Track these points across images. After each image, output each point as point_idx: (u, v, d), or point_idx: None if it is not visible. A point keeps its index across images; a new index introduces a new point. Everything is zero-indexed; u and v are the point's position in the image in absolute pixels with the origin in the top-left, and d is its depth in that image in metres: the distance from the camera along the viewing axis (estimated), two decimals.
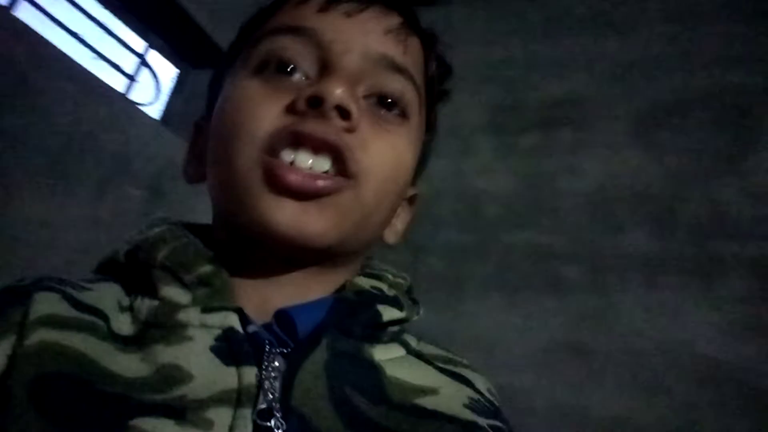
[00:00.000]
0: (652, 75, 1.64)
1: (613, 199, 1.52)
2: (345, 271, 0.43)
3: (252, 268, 0.39)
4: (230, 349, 0.34)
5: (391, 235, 0.47)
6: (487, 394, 0.43)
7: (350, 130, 0.37)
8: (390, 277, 0.44)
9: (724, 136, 1.48)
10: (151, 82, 1.71)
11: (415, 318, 0.43)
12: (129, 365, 0.32)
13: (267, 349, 0.34)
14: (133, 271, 0.38)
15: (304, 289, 0.40)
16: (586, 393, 1.39)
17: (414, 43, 0.44)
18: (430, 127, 0.47)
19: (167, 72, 1.78)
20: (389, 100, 0.41)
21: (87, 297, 0.36)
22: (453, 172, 1.70)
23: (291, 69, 0.39)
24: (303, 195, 0.36)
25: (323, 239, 0.37)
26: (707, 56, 1.61)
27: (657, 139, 1.54)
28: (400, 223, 0.47)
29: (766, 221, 1.34)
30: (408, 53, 0.42)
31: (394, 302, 0.42)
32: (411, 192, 0.48)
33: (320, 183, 0.36)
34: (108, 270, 0.40)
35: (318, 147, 0.36)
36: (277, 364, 0.34)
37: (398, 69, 0.41)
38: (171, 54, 1.76)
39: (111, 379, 0.31)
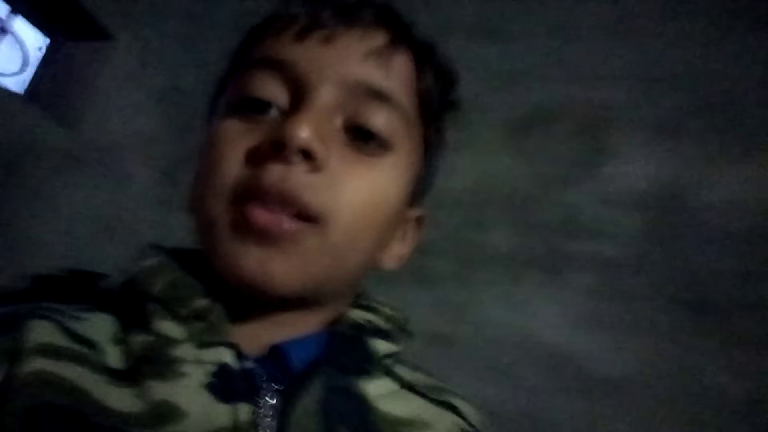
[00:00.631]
0: (528, 84, 1.76)
1: (484, 198, 1.62)
2: (336, 305, 0.42)
3: (245, 302, 0.38)
4: (225, 386, 0.33)
5: (390, 261, 0.45)
6: (478, 425, 0.43)
7: (316, 170, 0.36)
8: (386, 310, 0.43)
9: (584, 145, 1.62)
10: (15, 51, 1.58)
11: (405, 348, 0.43)
12: (123, 400, 0.31)
13: (263, 387, 0.34)
14: (128, 303, 0.37)
15: (297, 324, 0.39)
16: (446, 378, 1.48)
17: (401, 60, 0.41)
18: (430, 143, 0.45)
19: (35, 42, 1.65)
20: (370, 131, 0.39)
21: (81, 327, 0.35)
22: None
23: (267, 106, 0.38)
24: (268, 238, 0.35)
25: (288, 288, 0.36)
26: (577, 70, 1.75)
27: (526, 145, 1.66)
28: (405, 246, 0.46)
29: (611, 224, 1.50)
30: (392, 75, 0.40)
31: (389, 336, 0.41)
32: (414, 214, 0.46)
33: (285, 226, 0.35)
34: (102, 300, 0.39)
35: (280, 198, 0.35)
36: (273, 401, 0.33)
37: (378, 95, 0.39)
38: (39, 22, 1.63)
39: (105, 412, 0.30)
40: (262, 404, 0.33)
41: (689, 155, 1.54)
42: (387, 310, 0.44)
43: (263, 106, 0.38)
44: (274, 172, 0.35)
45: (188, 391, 0.32)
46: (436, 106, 0.44)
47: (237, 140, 0.38)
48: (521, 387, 1.38)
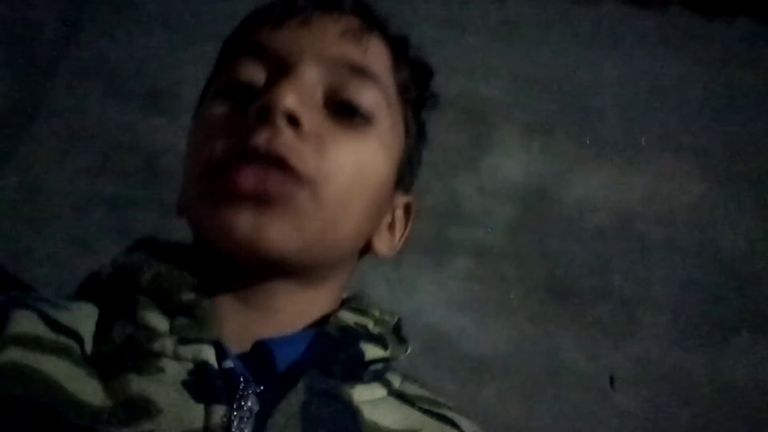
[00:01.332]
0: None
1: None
2: (325, 289, 0.41)
3: (232, 292, 0.38)
4: (202, 384, 0.32)
5: (384, 247, 0.45)
6: None
7: (302, 136, 0.36)
8: (376, 313, 0.43)
9: (467, 136, 1.69)
10: None
11: (402, 356, 0.42)
12: (97, 394, 0.31)
13: (241, 388, 0.33)
14: (115, 294, 0.37)
15: (284, 314, 0.38)
16: None
17: (376, 43, 0.42)
18: (412, 131, 0.45)
19: None
20: (351, 104, 0.39)
21: (64, 317, 0.34)
22: None
23: (251, 91, 0.38)
24: (259, 199, 0.35)
25: (284, 249, 0.36)
26: (461, 64, 1.81)
27: None
28: (396, 233, 0.46)
29: (487, 213, 1.58)
30: (369, 54, 0.41)
31: (379, 340, 0.40)
32: (403, 200, 0.47)
33: (275, 187, 0.35)
34: (88, 291, 0.38)
35: (267, 159, 0.35)
36: (250, 404, 0.32)
37: (358, 70, 0.40)
38: None
39: (78, 408, 0.30)
40: (238, 406, 0.32)
41: (557, 154, 1.68)
42: (377, 314, 0.43)
43: (247, 91, 0.39)
44: (261, 136, 0.36)
45: (165, 387, 0.32)
46: (413, 94, 0.46)
47: (221, 121, 0.38)
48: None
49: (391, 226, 0.48)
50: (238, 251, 0.36)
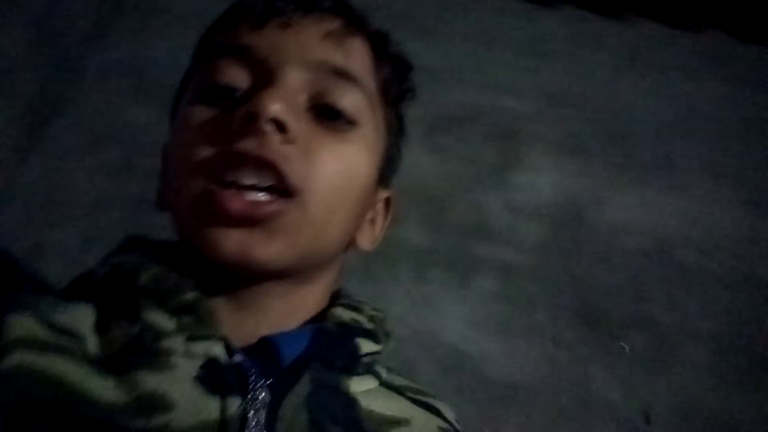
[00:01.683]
0: (446, 85, 1.75)
1: (397, 194, 1.57)
2: (318, 285, 0.42)
3: (224, 293, 0.38)
4: (214, 378, 0.33)
5: (366, 241, 0.46)
6: (455, 424, 0.45)
7: (289, 142, 0.36)
8: (369, 310, 0.44)
9: (497, 152, 1.64)
10: None
11: (387, 349, 0.44)
12: (107, 390, 0.31)
13: (252, 380, 0.34)
14: (111, 294, 0.37)
15: (283, 310, 0.39)
16: None
17: (358, 44, 0.42)
18: (392, 129, 0.45)
19: None
20: (335, 109, 0.39)
21: (62, 318, 0.35)
22: None
23: (231, 92, 0.38)
24: (248, 222, 0.35)
25: (274, 264, 0.36)
26: (493, 79, 1.77)
27: (442, 144, 1.64)
28: (377, 228, 0.47)
29: (516, 232, 1.51)
30: (351, 56, 0.41)
31: (372, 336, 0.42)
32: (383, 195, 0.47)
33: (263, 210, 0.35)
34: (80, 291, 0.38)
35: (257, 164, 0.35)
36: (262, 395, 0.33)
37: (341, 74, 0.39)
38: None
39: (91, 404, 0.30)
40: (251, 398, 0.33)
41: (590, 175, 1.61)
42: (369, 310, 0.44)
43: (228, 93, 0.39)
44: (249, 142, 0.35)
45: (178, 382, 0.33)
46: (394, 91, 0.46)
47: (206, 125, 0.38)
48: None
49: (372, 221, 0.48)
50: (227, 266, 0.36)
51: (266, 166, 0.36)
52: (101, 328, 0.36)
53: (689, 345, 1.32)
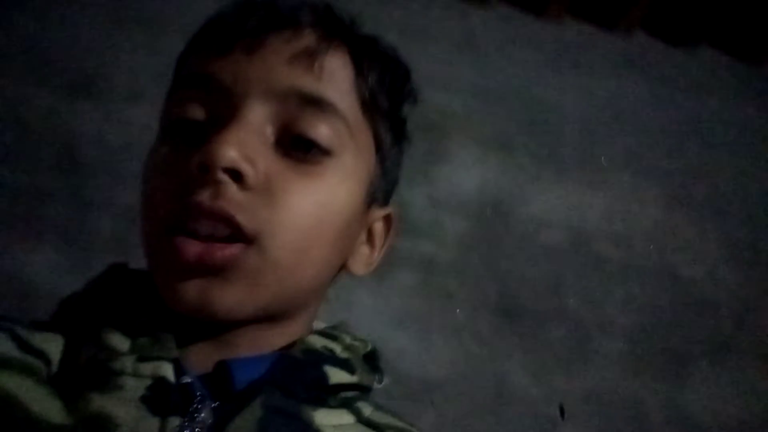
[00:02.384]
0: None
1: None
2: (294, 322, 0.40)
3: (193, 326, 0.37)
4: (159, 398, 0.33)
5: (360, 266, 0.44)
6: None
7: (248, 189, 0.35)
8: (347, 339, 0.42)
9: (422, 147, 1.61)
10: None
11: (377, 386, 0.42)
12: (58, 412, 0.32)
13: (197, 401, 0.33)
14: (82, 318, 0.37)
15: (250, 344, 0.38)
16: None
17: (335, 60, 0.39)
18: (384, 142, 0.43)
19: None
20: (306, 139, 0.37)
21: (35, 338, 0.35)
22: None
23: (194, 126, 0.37)
24: (205, 269, 0.34)
25: (235, 312, 0.36)
26: (420, 74, 1.75)
27: None
28: (375, 249, 0.45)
29: (437, 226, 1.49)
30: (324, 77, 0.38)
31: (345, 365, 0.40)
32: (380, 213, 0.44)
33: (219, 254, 0.34)
34: (64, 314, 0.39)
35: (211, 217, 0.34)
36: (203, 416, 0.33)
37: (311, 101, 0.37)
38: None
39: (36, 426, 0.31)
40: (191, 418, 0.33)
41: (514, 170, 1.61)
42: (347, 339, 0.42)
43: (191, 127, 0.37)
44: (204, 193, 0.34)
45: (123, 403, 0.33)
46: (384, 102, 0.42)
47: (167, 169, 0.37)
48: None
49: (370, 242, 0.45)
50: (189, 315, 0.36)
51: (220, 219, 0.34)
52: (71, 351, 0.36)
53: (605, 338, 1.31)
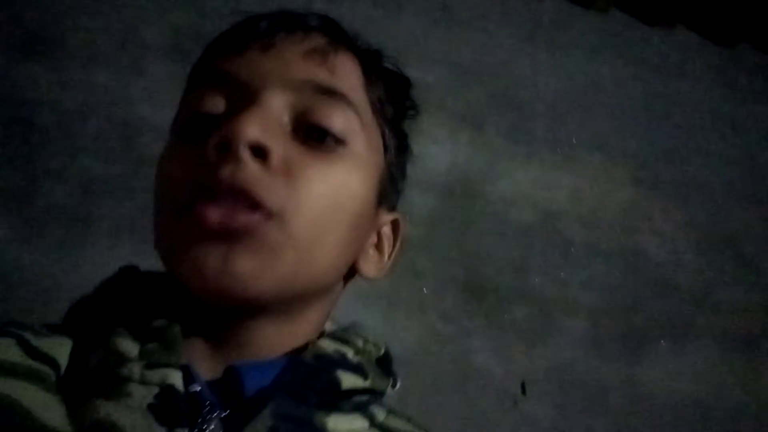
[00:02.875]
0: None
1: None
2: (305, 321, 0.40)
3: (204, 326, 0.37)
4: (166, 408, 0.33)
5: (371, 269, 0.44)
6: None
7: (270, 168, 0.35)
8: (359, 342, 0.41)
9: None
10: None
11: (390, 391, 0.42)
12: (64, 419, 0.32)
13: (206, 411, 0.33)
14: (92, 321, 0.37)
15: (260, 344, 0.38)
16: None
17: (345, 61, 0.41)
18: (391, 148, 0.43)
19: None
20: (321, 128, 0.38)
21: (43, 343, 0.35)
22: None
23: (212, 120, 0.37)
24: (226, 234, 0.34)
25: (257, 281, 0.35)
26: (395, 45, 1.71)
27: None
28: (384, 254, 0.45)
29: (408, 203, 1.47)
30: (337, 73, 0.39)
31: (357, 369, 0.39)
32: (389, 218, 0.45)
33: (241, 219, 0.34)
34: (75, 317, 0.39)
35: (232, 193, 0.34)
36: (213, 427, 0.33)
37: (326, 91, 0.38)
38: None
39: (41, 430, 0.31)
40: (199, 430, 0.33)
41: (485, 147, 1.59)
42: (360, 343, 0.41)
43: (209, 121, 0.37)
44: (225, 170, 0.34)
45: (130, 411, 0.32)
46: (390, 111, 0.44)
47: (185, 157, 0.37)
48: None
49: (379, 246, 0.45)
50: (209, 290, 0.35)
51: (241, 193, 0.34)
52: (80, 355, 0.36)
53: (567, 317, 1.32)
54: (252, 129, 0.34)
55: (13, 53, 1.24)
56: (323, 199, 0.37)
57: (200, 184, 0.35)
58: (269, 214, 0.35)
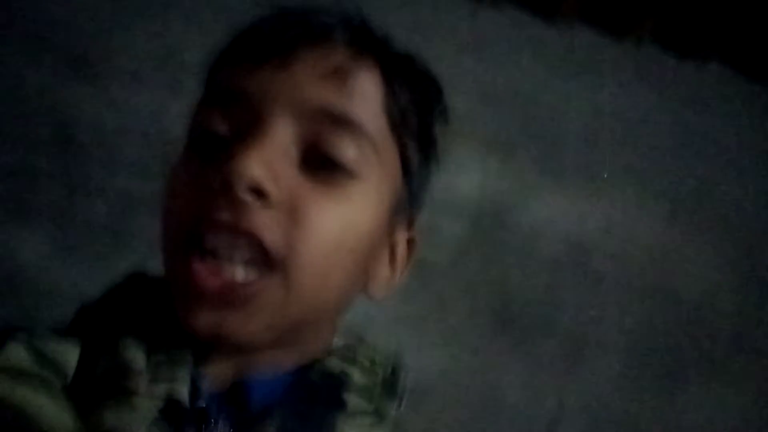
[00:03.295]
0: None
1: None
2: (314, 340, 0.40)
3: (211, 343, 0.36)
4: (172, 423, 0.33)
5: (379, 290, 0.43)
6: None
7: (271, 208, 0.34)
8: (366, 362, 0.41)
9: None
10: None
11: (393, 413, 0.41)
12: (71, 425, 0.32)
13: (211, 426, 0.33)
14: (100, 328, 0.37)
15: (266, 365, 0.37)
16: None
17: (366, 80, 0.38)
18: (413, 164, 0.42)
19: None
20: (332, 160, 0.36)
21: (51, 349, 0.35)
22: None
23: (221, 141, 0.36)
24: (220, 300, 0.33)
25: (251, 341, 0.35)
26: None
27: None
28: (394, 271, 0.44)
29: (437, 230, 1.46)
30: (355, 96, 0.37)
31: (363, 393, 0.39)
32: (403, 236, 0.44)
33: (240, 292, 0.33)
34: (81, 322, 0.39)
35: (234, 235, 0.33)
36: None
37: (340, 120, 0.36)
38: None
39: None
40: None
41: (515, 176, 1.59)
42: (366, 363, 0.41)
43: (218, 142, 0.36)
44: (224, 210, 0.34)
45: (135, 424, 0.32)
46: (414, 122, 0.42)
47: (189, 183, 0.36)
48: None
49: (391, 263, 0.44)
50: (202, 339, 0.35)
51: (243, 236, 0.34)
52: (88, 362, 0.36)
53: (598, 352, 1.30)
54: (252, 170, 0.33)
55: (60, 72, 1.27)
56: (328, 238, 0.36)
57: (200, 218, 0.34)
58: (271, 266, 0.34)
